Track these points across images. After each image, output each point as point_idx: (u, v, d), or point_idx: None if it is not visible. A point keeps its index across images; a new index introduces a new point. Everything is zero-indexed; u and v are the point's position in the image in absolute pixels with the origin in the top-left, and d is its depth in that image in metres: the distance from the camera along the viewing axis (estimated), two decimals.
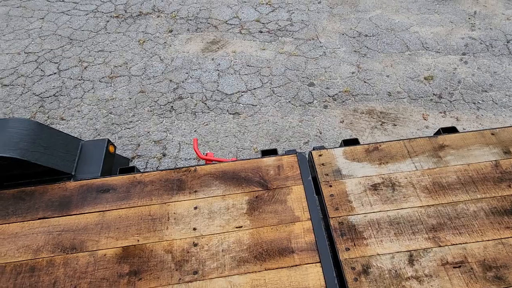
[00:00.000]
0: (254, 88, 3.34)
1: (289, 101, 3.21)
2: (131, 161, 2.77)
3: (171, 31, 4.02)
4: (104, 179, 1.73)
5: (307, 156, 1.80)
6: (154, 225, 1.55)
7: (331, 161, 1.74)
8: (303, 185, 1.65)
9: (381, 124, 2.97)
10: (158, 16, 4.20)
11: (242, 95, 3.29)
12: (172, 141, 2.91)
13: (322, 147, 1.85)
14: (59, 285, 1.40)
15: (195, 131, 2.99)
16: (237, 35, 3.95)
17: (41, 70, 3.60)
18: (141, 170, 2.69)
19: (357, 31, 3.95)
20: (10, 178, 1.72)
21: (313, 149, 1.84)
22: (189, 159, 2.78)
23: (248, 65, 3.59)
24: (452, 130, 1.85)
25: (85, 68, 3.63)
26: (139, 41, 3.91)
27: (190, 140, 2.92)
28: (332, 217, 1.53)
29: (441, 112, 3.06)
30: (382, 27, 3.99)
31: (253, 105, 3.19)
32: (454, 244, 1.41)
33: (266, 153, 1.84)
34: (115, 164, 2.01)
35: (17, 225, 1.58)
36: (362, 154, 1.76)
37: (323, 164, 1.73)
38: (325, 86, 3.35)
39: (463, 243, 1.41)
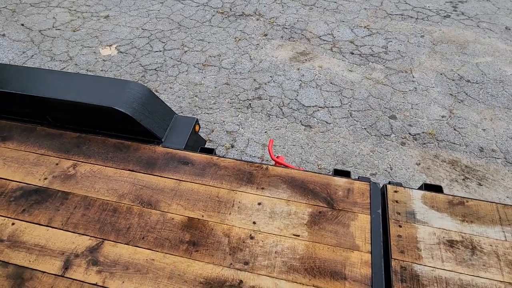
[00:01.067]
0: (332, 107, 3.32)
1: (365, 128, 3.11)
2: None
3: (266, 35, 4.24)
4: (186, 153, 1.91)
5: (380, 188, 1.73)
6: (219, 207, 1.66)
7: (406, 201, 1.64)
8: (370, 216, 1.59)
9: (463, 179, 2.68)
10: (258, 19, 4.47)
11: (318, 110, 3.30)
12: (242, 136, 3.06)
13: (399, 184, 1.76)
14: (131, 231, 1.59)
15: (265, 132, 3.09)
16: (327, 51, 3.98)
17: (150, 46, 4.14)
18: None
19: (458, 74, 3.64)
20: (117, 130, 2.02)
21: (389, 183, 1.76)
22: (254, 156, 2.89)
23: (331, 83, 3.59)
24: None
25: (185, 52, 4.05)
26: (235, 38, 4.21)
27: (259, 138, 3.03)
28: (395, 259, 1.44)
29: None
30: (490, 76, 3.60)
31: (327, 122, 3.17)
32: None
33: (338, 172, 1.82)
34: (196, 142, 2.21)
35: (111, 170, 1.85)
36: (443, 204, 1.62)
37: (396, 201, 1.64)
38: (407, 122, 3.15)
39: None
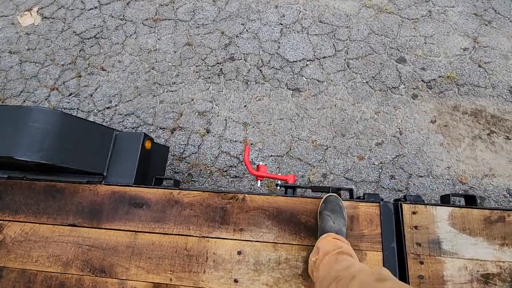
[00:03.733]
0: (324, 57, 2.63)
1: (367, 82, 2.51)
2: (172, 133, 2.49)
3: None
4: (138, 189, 1.47)
5: (392, 208, 1.32)
6: (190, 264, 1.31)
7: (428, 225, 1.25)
8: (383, 253, 1.24)
9: (488, 134, 2.23)
10: None
11: (307, 64, 2.62)
12: (217, 116, 2.51)
13: (419, 198, 1.34)
14: None
15: (245, 106, 2.53)
16: None
17: (82, 2, 3.16)
18: (180, 153, 2.40)
19: None
20: (41, 172, 1.54)
21: (405, 199, 1.34)
22: (235, 141, 2.41)
23: (320, 21, 2.78)
24: None
25: (127, 3, 3.11)
26: None
27: (239, 116, 2.49)
28: None
29: None
30: None
31: (319, 81, 2.55)
32: None
33: (337, 191, 1.39)
34: (153, 157, 1.73)
35: (47, 228, 1.45)
36: (478, 224, 1.24)
37: (416, 228, 1.26)
38: (420, 65, 2.52)
39: None
